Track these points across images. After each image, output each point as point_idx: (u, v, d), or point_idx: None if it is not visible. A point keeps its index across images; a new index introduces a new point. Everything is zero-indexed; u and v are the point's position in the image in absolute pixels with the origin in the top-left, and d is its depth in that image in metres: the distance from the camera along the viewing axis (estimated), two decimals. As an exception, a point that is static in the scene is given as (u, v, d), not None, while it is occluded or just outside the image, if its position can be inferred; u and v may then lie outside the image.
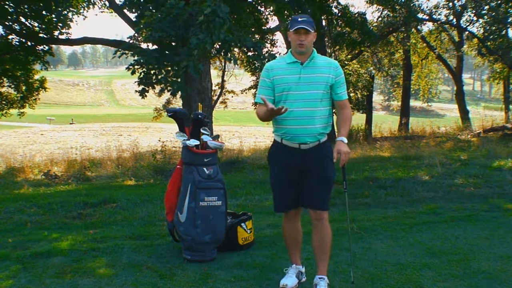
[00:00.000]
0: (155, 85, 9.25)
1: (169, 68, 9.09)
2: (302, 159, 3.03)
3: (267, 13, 15.57)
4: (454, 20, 19.14)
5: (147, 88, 9.30)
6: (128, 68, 9.32)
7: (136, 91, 9.67)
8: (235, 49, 9.81)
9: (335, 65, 3.08)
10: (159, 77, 9.07)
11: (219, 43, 8.59)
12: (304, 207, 3.20)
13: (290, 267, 3.35)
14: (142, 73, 9.17)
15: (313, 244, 3.19)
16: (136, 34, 9.45)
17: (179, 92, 9.10)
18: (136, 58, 9.04)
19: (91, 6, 14.49)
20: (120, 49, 9.42)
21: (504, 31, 15.92)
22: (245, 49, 9.17)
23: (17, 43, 12.65)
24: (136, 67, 9.14)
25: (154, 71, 9.11)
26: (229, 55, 8.86)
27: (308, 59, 3.02)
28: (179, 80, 8.87)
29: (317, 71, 3.01)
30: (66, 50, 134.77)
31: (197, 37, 7.80)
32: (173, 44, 9.13)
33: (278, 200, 3.23)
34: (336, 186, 5.56)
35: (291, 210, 3.21)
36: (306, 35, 2.95)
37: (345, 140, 2.98)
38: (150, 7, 9.46)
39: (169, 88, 8.89)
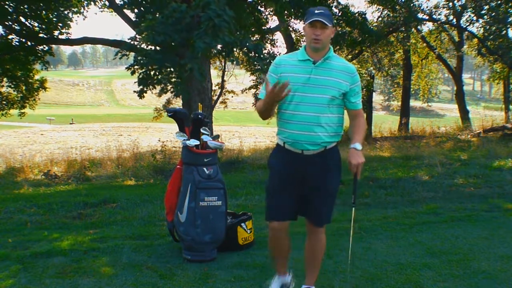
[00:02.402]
0: (156, 86, 9.27)
1: (171, 69, 9.10)
2: (305, 166, 2.76)
3: (267, 13, 15.59)
4: (454, 20, 19.13)
5: (145, 89, 9.32)
6: (128, 68, 9.33)
7: (134, 91, 9.69)
8: (236, 50, 9.83)
9: (352, 70, 2.76)
10: (159, 77, 9.09)
11: (220, 45, 8.61)
12: (302, 215, 2.95)
13: (274, 278, 3.11)
14: (142, 74, 9.19)
15: (305, 253, 3.02)
16: (137, 35, 9.45)
17: (182, 94, 9.13)
18: (138, 58, 9.05)
19: (91, 4, 14.49)
20: (121, 50, 9.43)
21: (504, 31, 15.89)
22: (246, 50, 9.19)
23: (17, 43, 12.65)
24: (136, 67, 9.15)
25: (154, 71, 9.13)
26: (230, 56, 8.89)
27: (323, 58, 2.71)
28: (181, 81, 8.89)
29: (330, 73, 2.71)
30: (66, 50, 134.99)
31: (204, 41, 7.83)
32: (172, 44, 9.15)
33: (272, 206, 2.90)
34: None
35: (283, 221, 2.87)
36: (322, 29, 2.63)
37: (359, 147, 2.66)
38: (151, 8, 9.47)
39: (171, 89, 8.92)
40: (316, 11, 2.64)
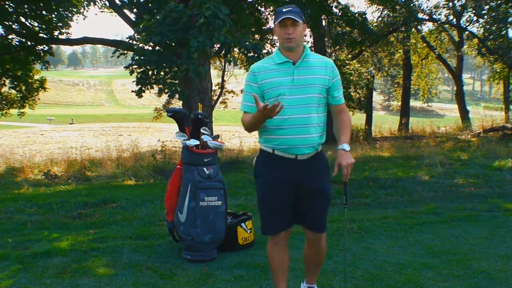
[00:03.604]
0: (153, 86, 9.29)
1: (168, 69, 9.11)
2: (298, 171, 2.64)
3: (267, 13, 15.61)
4: (454, 20, 19.16)
5: (144, 88, 9.33)
6: (126, 67, 9.35)
7: (133, 91, 9.70)
8: (235, 49, 9.84)
9: (331, 65, 2.70)
10: (157, 77, 9.10)
11: (219, 45, 8.59)
12: (298, 224, 2.82)
13: None
14: (140, 73, 9.20)
15: (304, 257, 2.95)
16: (135, 35, 9.47)
17: (177, 95, 9.13)
18: (135, 58, 9.06)
19: (91, 4, 14.52)
20: (119, 49, 9.45)
21: (504, 31, 15.92)
22: (245, 50, 9.20)
23: (17, 43, 12.68)
24: (134, 67, 9.17)
25: (152, 71, 9.14)
26: (228, 56, 8.87)
27: (301, 57, 2.62)
28: (177, 82, 8.89)
29: (312, 71, 2.63)
30: (66, 50, 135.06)
31: (197, 40, 7.82)
32: (172, 44, 9.16)
33: (267, 219, 2.75)
34: (337, 185, 5.57)
35: (282, 232, 2.76)
36: (294, 27, 2.53)
37: (347, 148, 2.59)
38: (151, 6, 9.48)
39: (166, 90, 8.94)
40: (284, 10, 2.55)
